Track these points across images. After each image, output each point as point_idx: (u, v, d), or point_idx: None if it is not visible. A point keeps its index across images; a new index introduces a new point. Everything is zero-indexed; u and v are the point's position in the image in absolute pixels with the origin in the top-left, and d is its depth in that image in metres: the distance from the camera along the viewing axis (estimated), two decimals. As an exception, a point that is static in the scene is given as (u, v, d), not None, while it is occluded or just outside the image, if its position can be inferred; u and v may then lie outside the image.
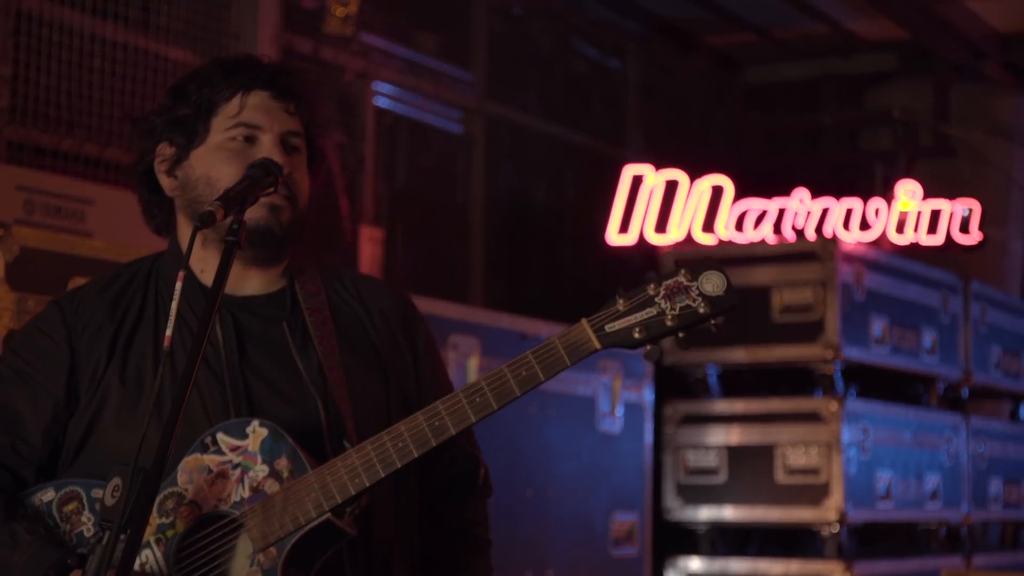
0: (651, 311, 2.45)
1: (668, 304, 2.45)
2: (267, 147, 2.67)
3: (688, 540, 7.33)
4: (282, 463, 2.53)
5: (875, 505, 7.20)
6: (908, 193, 8.31)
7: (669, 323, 2.44)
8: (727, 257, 7.20)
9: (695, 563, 7.29)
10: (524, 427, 6.13)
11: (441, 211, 8.18)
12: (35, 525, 2.56)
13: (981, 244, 8.49)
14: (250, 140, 2.68)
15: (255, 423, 2.55)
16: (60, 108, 5.53)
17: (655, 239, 7.72)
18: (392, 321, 2.80)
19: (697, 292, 2.44)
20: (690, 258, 2.49)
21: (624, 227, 7.77)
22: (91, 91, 5.61)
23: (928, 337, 7.77)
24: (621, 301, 2.46)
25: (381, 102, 7.60)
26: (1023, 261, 10.17)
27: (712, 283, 2.44)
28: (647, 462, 6.86)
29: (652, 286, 2.46)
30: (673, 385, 7.32)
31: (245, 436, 2.55)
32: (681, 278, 2.45)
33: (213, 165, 2.68)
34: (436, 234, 8.11)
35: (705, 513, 7.26)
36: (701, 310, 2.43)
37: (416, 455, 2.50)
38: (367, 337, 2.76)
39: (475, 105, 8.27)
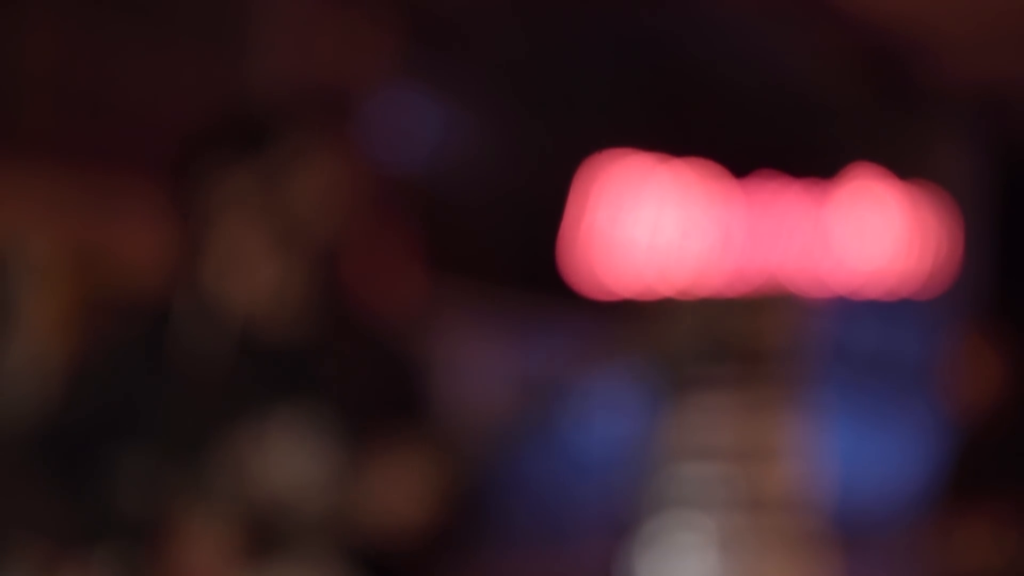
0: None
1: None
2: (296, 204, 2.76)
3: (674, 538, 7.41)
4: (330, 470, 2.69)
5: (861, 500, 7.38)
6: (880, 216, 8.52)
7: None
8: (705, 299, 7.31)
9: (682, 561, 7.38)
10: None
11: (441, 218, 8.31)
12: (92, 496, 2.70)
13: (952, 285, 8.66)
14: (277, 198, 2.75)
15: (297, 425, 2.70)
16: (94, 110, 5.52)
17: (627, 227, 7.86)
18: (392, 372, 2.90)
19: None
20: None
21: (599, 219, 7.92)
22: (119, 96, 5.61)
23: (907, 341, 7.96)
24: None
25: (384, 110, 7.72)
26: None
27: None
28: (632, 460, 6.97)
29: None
30: (660, 385, 7.39)
31: (288, 439, 2.70)
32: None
33: (237, 233, 2.76)
34: (437, 241, 8.23)
35: (691, 510, 7.39)
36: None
37: None
38: (375, 386, 2.85)
39: (475, 111, 8.41)
